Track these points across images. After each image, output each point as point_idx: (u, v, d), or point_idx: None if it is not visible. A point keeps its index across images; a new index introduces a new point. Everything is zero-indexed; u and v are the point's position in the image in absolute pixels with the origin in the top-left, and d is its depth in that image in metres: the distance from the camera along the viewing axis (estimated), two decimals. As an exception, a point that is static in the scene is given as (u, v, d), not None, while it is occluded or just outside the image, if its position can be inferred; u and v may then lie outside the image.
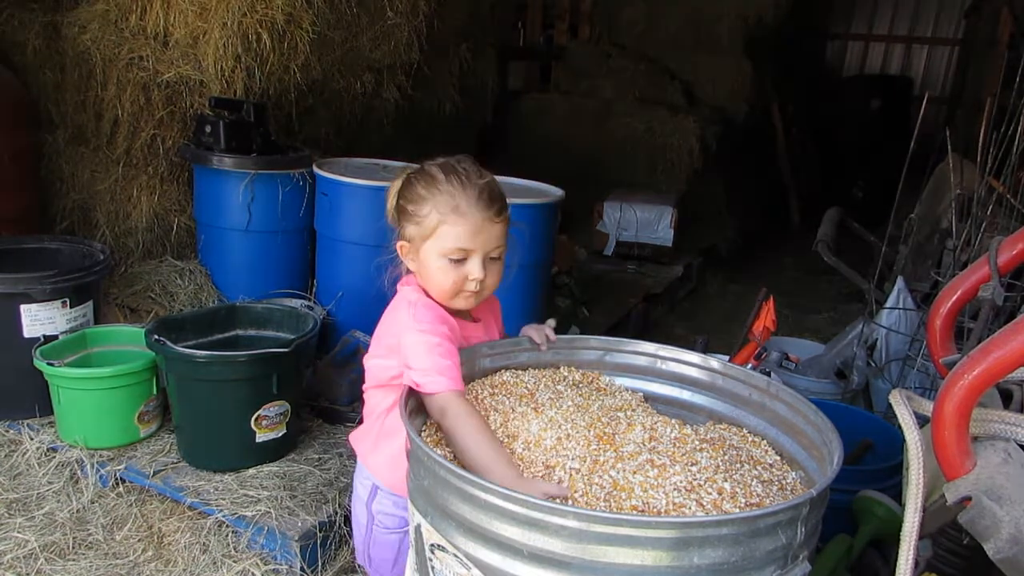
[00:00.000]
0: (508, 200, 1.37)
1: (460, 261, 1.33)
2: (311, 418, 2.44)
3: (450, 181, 1.33)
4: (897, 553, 1.03)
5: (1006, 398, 1.18)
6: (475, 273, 1.33)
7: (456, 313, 1.39)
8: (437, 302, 1.37)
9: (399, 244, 1.41)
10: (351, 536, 2.00)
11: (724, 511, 1.02)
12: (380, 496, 1.46)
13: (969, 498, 0.97)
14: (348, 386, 2.47)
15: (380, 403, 1.41)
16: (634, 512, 1.03)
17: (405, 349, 1.29)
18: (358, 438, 1.49)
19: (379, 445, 1.42)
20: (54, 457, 2.19)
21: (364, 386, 1.45)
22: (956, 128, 2.72)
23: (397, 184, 1.41)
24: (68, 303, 2.30)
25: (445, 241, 1.32)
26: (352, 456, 2.24)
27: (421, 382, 1.25)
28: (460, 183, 1.33)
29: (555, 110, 5.84)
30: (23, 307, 2.23)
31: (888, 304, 2.81)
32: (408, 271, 1.42)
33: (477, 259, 1.33)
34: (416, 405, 1.27)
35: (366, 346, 2.54)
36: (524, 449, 1.19)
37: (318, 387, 2.49)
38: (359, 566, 1.98)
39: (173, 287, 2.99)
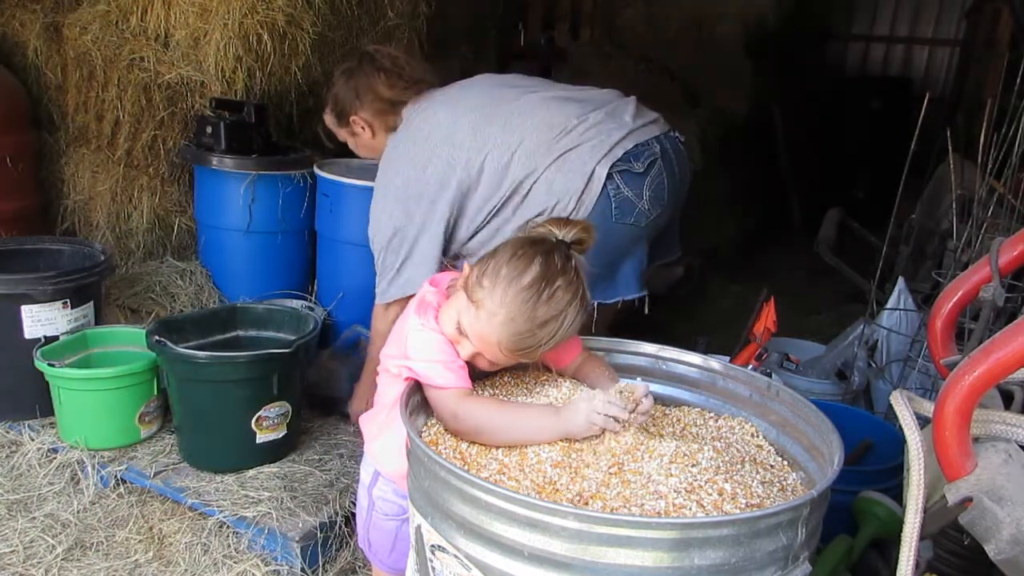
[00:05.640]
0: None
1: (462, 334, 1.27)
2: (311, 417, 2.44)
3: (518, 296, 1.19)
4: (898, 554, 1.03)
5: (1007, 399, 1.18)
6: (463, 354, 1.28)
7: None
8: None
9: (468, 266, 1.30)
10: (352, 536, 2.00)
11: (724, 512, 1.02)
12: (381, 482, 1.48)
13: (970, 499, 0.97)
14: (348, 377, 2.47)
15: (387, 393, 1.41)
16: (634, 513, 1.03)
17: (409, 343, 1.29)
18: (366, 420, 1.49)
19: (383, 433, 1.43)
20: (55, 458, 2.19)
21: (378, 367, 1.45)
22: (957, 129, 2.72)
23: (511, 250, 1.24)
24: (69, 304, 2.30)
25: (467, 315, 1.24)
26: (353, 456, 2.24)
27: (427, 374, 1.25)
28: (527, 304, 1.19)
29: (556, 111, 5.83)
30: (24, 308, 2.23)
31: (889, 305, 2.81)
32: (451, 284, 1.36)
33: (473, 350, 1.27)
34: (417, 405, 1.27)
35: (367, 339, 2.55)
36: (525, 448, 1.19)
37: (318, 378, 2.49)
38: (360, 564, 1.99)
39: (174, 288, 2.99)
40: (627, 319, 2.13)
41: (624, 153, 1.94)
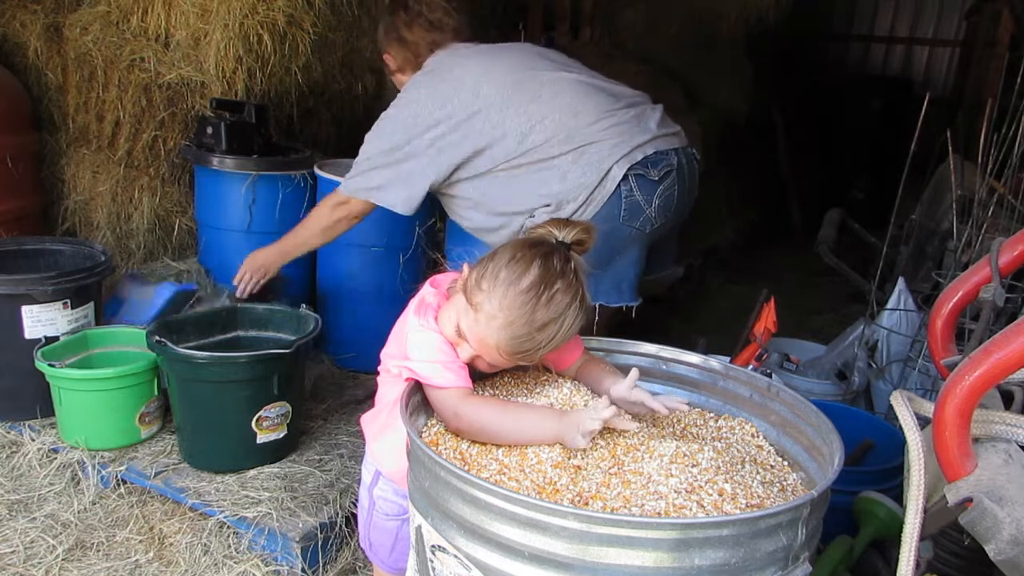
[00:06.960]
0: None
1: (461, 337, 1.27)
2: (312, 417, 2.44)
3: (517, 300, 1.18)
4: (898, 554, 1.03)
5: (1007, 399, 1.18)
6: (462, 356, 1.28)
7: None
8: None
9: (468, 267, 1.29)
10: (352, 536, 2.01)
11: (725, 512, 1.02)
12: (381, 482, 1.48)
13: (970, 499, 0.97)
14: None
15: (388, 393, 1.41)
16: (634, 513, 1.03)
17: (408, 343, 1.29)
18: (367, 420, 1.49)
19: (383, 434, 1.43)
20: (55, 458, 2.19)
21: (379, 367, 1.45)
22: (957, 129, 2.73)
23: (510, 254, 1.23)
24: (69, 304, 2.30)
25: (466, 319, 1.23)
26: (353, 456, 2.24)
27: (427, 374, 1.25)
28: (525, 307, 1.18)
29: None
30: (24, 308, 2.23)
31: (889, 305, 2.81)
32: (451, 285, 1.35)
33: (472, 352, 1.27)
34: (417, 405, 1.27)
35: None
36: (525, 448, 1.19)
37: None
38: (361, 564, 1.99)
39: (174, 288, 2.99)
40: (622, 320, 2.13)
41: (643, 158, 1.94)
